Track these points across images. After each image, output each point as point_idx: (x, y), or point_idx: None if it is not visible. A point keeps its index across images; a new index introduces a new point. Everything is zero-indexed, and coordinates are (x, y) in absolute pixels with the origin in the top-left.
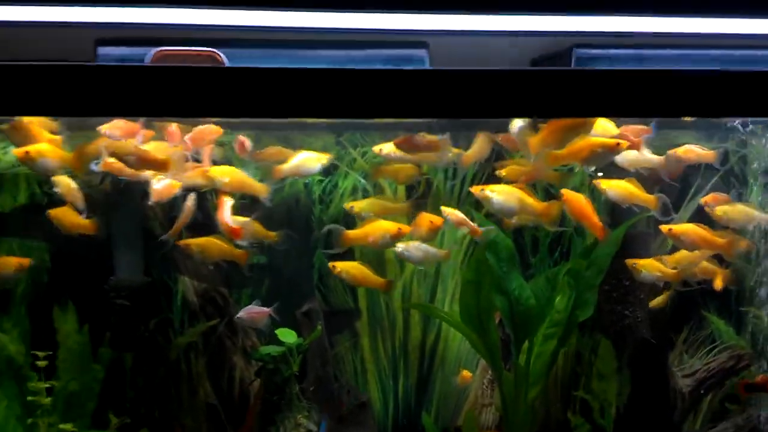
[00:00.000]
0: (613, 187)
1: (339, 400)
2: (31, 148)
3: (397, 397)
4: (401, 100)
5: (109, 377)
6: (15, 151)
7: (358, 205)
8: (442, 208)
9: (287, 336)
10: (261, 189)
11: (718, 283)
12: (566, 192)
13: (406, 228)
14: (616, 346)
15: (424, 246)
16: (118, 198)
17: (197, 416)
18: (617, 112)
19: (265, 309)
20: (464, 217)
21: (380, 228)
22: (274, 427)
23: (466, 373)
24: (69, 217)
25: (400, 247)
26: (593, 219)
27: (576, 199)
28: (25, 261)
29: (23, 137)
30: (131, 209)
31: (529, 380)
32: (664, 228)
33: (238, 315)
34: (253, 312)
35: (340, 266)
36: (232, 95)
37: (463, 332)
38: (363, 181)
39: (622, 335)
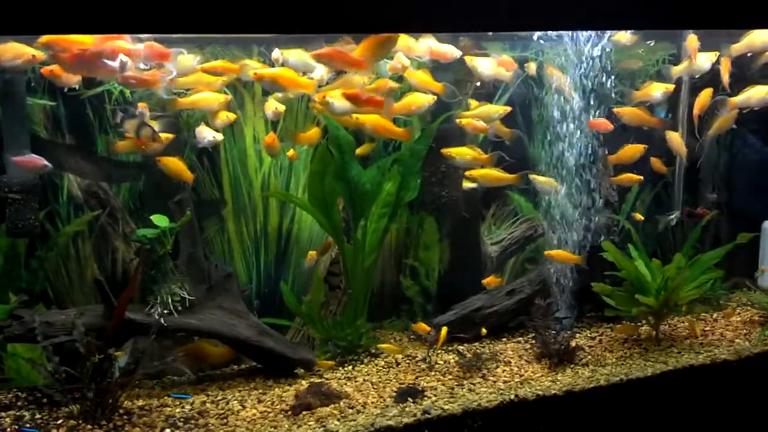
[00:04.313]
0: (412, 76)
1: (208, 273)
2: None
3: (259, 270)
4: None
5: (6, 262)
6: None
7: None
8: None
9: (160, 220)
10: None
11: None
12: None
13: None
14: (437, 221)
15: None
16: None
17: (85, 291)
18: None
19: (42, 159)
20: None
21: None
22: (153, 296)
23: (312, 253)
24: None
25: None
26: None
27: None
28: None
29: None
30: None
31: (366, 251)
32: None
33: (14, 158)
34: (29, 159)
35: (164, 161)
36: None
37: (312, 214)
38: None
39: (442, 212)
